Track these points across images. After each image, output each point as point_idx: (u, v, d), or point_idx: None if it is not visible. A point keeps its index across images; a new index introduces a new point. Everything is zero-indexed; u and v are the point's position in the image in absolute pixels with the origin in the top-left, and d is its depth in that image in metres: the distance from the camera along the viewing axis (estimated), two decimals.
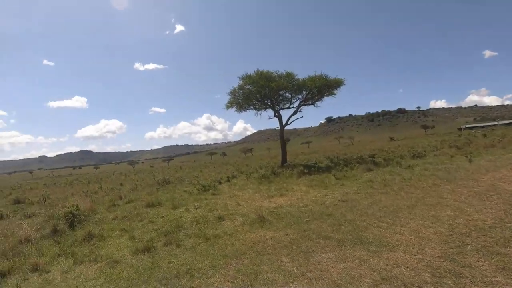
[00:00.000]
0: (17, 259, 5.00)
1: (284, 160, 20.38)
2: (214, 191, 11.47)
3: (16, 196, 15.56)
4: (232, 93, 19.32)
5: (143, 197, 11.76)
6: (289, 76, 18.49)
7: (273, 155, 62.14)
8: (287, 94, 20.18)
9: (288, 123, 20.66)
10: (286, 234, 5.36)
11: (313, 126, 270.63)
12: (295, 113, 20.50)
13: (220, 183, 14.19)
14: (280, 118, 20.40)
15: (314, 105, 20.75)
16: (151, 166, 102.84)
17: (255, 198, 9.41)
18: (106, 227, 7.04)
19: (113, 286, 3.83)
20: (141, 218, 7.83)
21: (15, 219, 9.78)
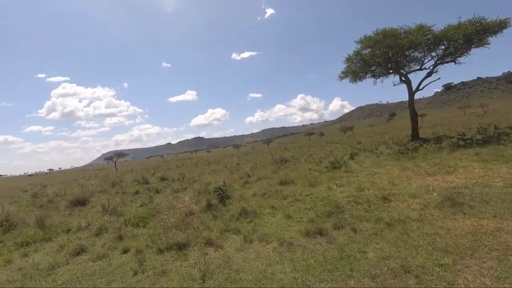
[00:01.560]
0: (189, 231, 5.05)
1: (415, 133, 17.09)
2: (347, 168, 10.18)
3: (161, 175, 18.26)
4: (348, 60, 17.11)
5: (270, 175, 11.60)
6: (422, 29, 14.86)
7: (381, 132, 55.73)
8: (416, 53, 16.51)
9: (420, 88, 17.02)
10: None
11: (425, 96, 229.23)
12: (429, 75, 16.63)
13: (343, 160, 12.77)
14: (408, 83, 16.98)
15: (455, 62, 16.32)
16: (253, 148, 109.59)
17: (409, 176, 7.63)
18: (253, 203, 6.76)
19: (309, 276, 3.10)
20: (282, 196, 7.32)
21: (167, 193, 11.09)
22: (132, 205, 9.16)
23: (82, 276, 3.89)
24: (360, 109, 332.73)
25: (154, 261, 4.15)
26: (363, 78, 18.51)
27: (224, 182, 7.86)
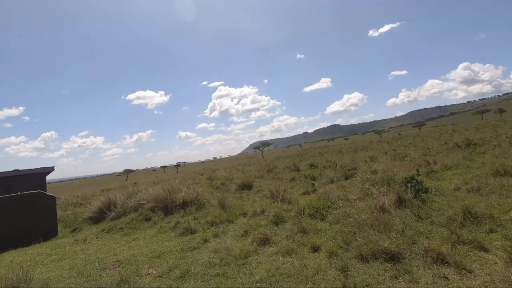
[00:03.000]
0: (393, 235, 3.73)
1: None
2: None
3: (310, 162, 17.86)
4: None
5: (462, 163, 8.62)
6: None
7: None
8: None
9: None
10: None
11: None
12: None
13: None
14: None
15: None
16: (399, 134, 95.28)
17: None
18: (471, 202, 4.65)
19: None
20: None
21: (323, 181, 10.21)
22: (294, 192, 8.78)
23: (278, 275, 3.33)
24: None
25: (362, 273, 3.10)
26: None
27: (417, 170, 6.02)
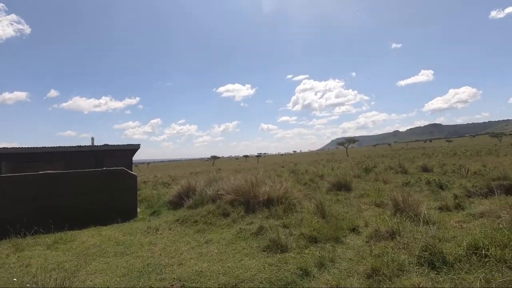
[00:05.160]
0: None
1: None
2: None
3: (423, 163, 14.09)
4: None
5: None
6: None
7: None
8: None
9: None
10: None
11: None
12: None
13: None
14: None
15: None
16: None
17: None
18: None
19: None
20: None
21: (455, 191, 7.08)
22: (420, 205, 6.07)
23: None
24: None
25: None
26: None
27: None
